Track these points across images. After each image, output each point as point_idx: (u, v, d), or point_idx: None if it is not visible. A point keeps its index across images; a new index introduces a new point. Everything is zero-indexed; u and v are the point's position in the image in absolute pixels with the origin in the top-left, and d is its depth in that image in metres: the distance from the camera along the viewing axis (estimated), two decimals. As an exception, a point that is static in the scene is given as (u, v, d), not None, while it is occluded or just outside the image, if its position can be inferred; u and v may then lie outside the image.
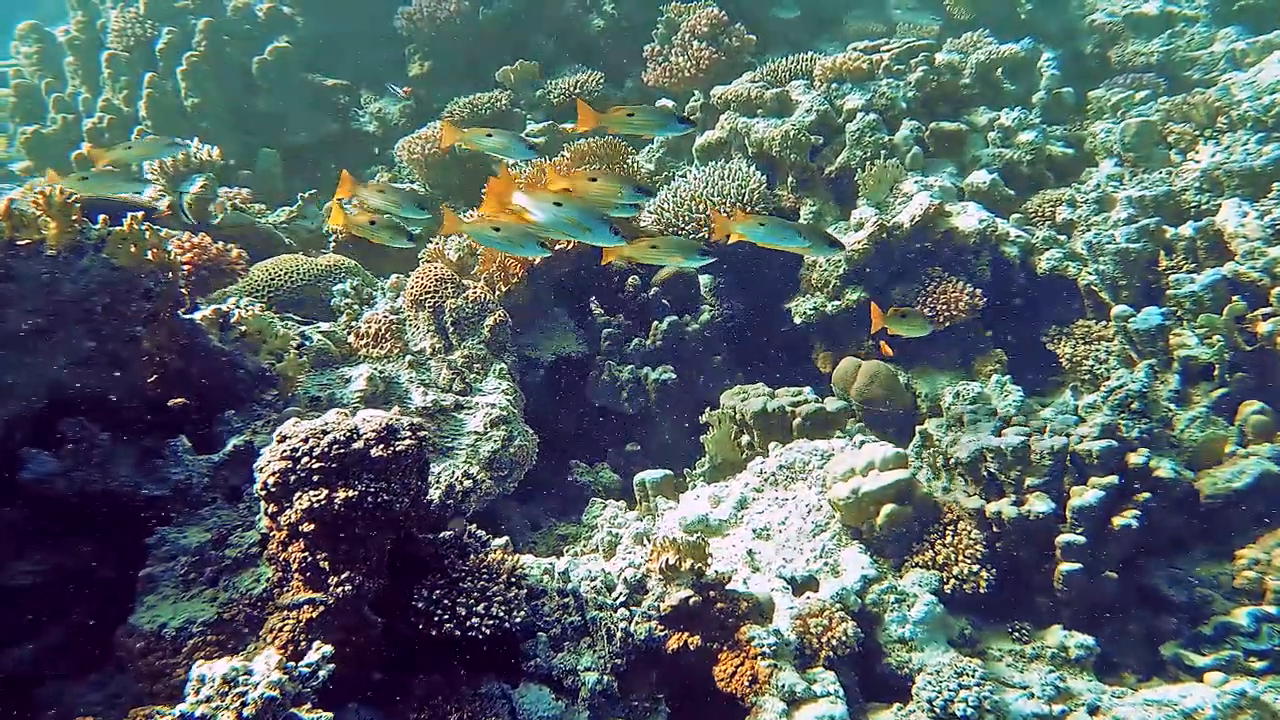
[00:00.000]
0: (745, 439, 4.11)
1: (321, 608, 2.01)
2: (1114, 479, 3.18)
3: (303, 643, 1.98)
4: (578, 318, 4.42)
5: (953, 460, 3.37)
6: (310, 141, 6.53)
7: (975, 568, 3.20)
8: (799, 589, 3.16)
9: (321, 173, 6.31)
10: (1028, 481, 3.25)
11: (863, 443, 3.56)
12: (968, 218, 4.61)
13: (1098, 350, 4.45)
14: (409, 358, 3.37)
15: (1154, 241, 4.39)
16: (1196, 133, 5.00)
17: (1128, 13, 6.16)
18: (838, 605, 2.98)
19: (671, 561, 2.58)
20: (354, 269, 4.02)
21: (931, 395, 4.44)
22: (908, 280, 4.57)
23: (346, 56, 7.19)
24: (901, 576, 3.27)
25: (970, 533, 3.26)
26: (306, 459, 1.95)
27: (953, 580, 3.20)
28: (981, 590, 3.19)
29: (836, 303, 4.63)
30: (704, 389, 4.55)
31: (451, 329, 3.64)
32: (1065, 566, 3.15)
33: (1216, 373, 3.92)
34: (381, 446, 2.01)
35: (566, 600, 2.51)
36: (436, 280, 3.68)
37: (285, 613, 2.02)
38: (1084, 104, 5.86)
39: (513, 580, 2.32)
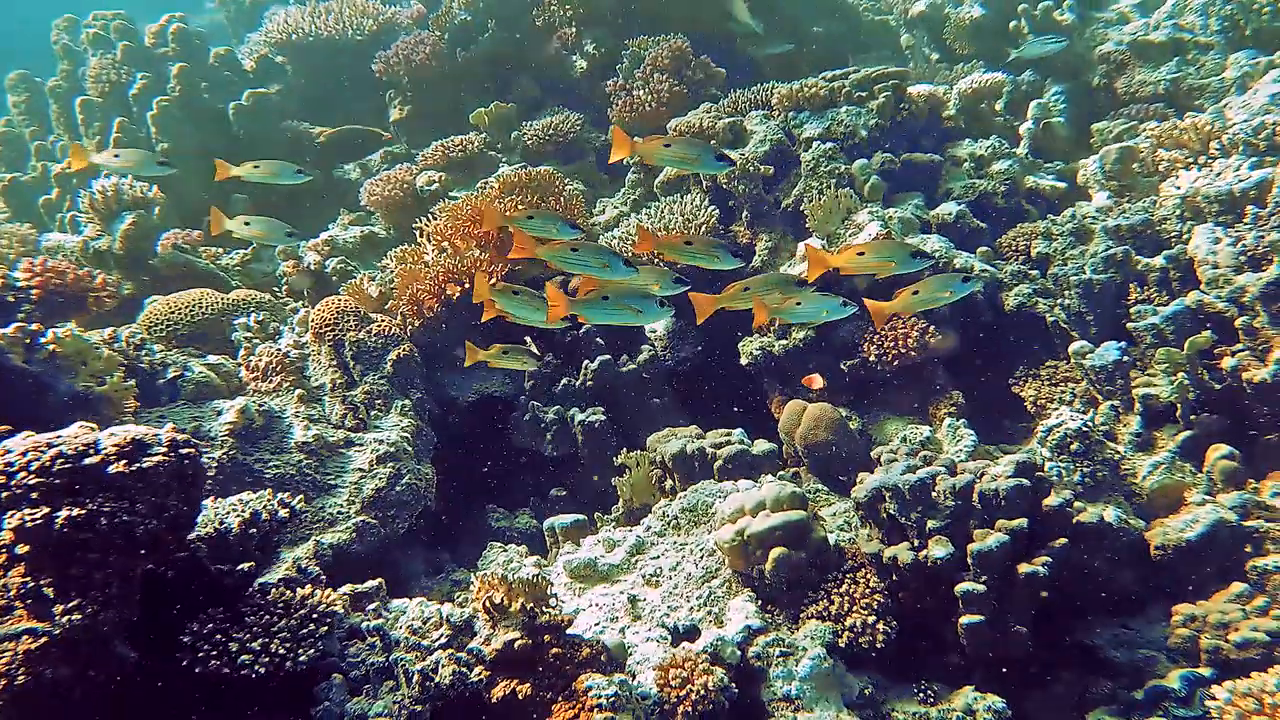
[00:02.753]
0: (669, 483, 4.04)
1: (44, 639, 1.99)
2: (1022, 522, 3.02)
3: (20, 678, 1.96)
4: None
5: (853, 501, 3.26)
6: (289, 192, 6.74)
7: (872, 619, 3.06)
8: (679, 639, 3.06)
9: (299, 220, 6.49)
10: (929, 524, 3.12)
11: (765, 483, 3.46)
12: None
13: (1063, 392, 4.29)
14: (298, 392, 3.41)
15: (1123, 272, 4.24)
16: (1189, 159, 4.85)
17: (1134, 41, 6.03)
18: (706, 656, 2.87)
19: (497, 601, 2.52)
20: (266, 303, 4.12)
21: (883, 440, 4.32)
22: (856, 318, 4.47)
23: (337, 104, 7.45)
24: (797, 629, 3.14)
25: (869, 581, 3.13)
26: (24, 474, 1.95)
27: (847, 633, 3.06)
28: (879, 645, 3.05)
29: (783, 341, 4.56)
30: (643, 432, 4.49)
31: (353, 363, 3.68)
32: (966, 619, 2.99)
33: (1179, 413, 3.74)
34: (124, 462, 2.00)
35: (374, 640, 2.47)
36: (338, 313, 3.74)
37: (3, 645, 2.01)
38: (1089, 137, 5.75)
39: (316, 617, 2.29)
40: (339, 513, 3.22)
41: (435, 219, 4.36)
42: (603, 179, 6.49)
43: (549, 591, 2.63)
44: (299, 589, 2.31)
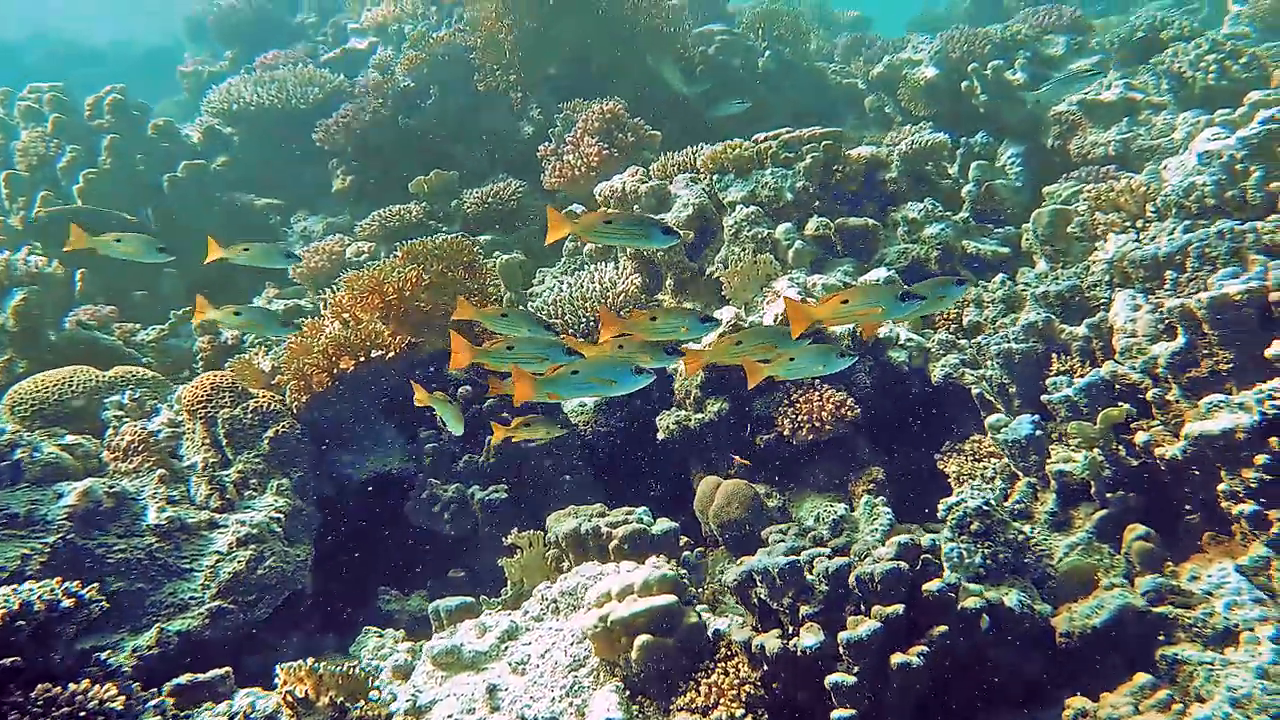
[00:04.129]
0: (566, 564, 3.99)
1: None
2: (898, 608, 2.95)
3: None
4: (407, 433, 4.42)
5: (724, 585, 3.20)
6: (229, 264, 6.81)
7: (740, 712, 2.98)
8: (537, 733, 2.99)
9: (233, 293, 6.56)
10: (802, 610, 3.05)
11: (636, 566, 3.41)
12: (844, 318, 4.50)
13: (985, 468, 4.23)
14: (159, 472, 3.41)
15: (1045, 342, 4.20)
16: (1127, 222, 4.85)
17: (1084, 101, 6.08)
18: (553, 751, 2.80)
19: (301, 695, 2.48)
20: (146, 380, 4.14)
21: (801, 517, 4.27)
22: (773, 389, 4.45)
23: (286, 174, 7.58)
24: (667, 722, 3.07)
25: (740, 670, 3.06)
26: None
27: (714, 727, 2.98)
28: (747, 740, 2.97)
29: (700, 415, 4.53)
30: (553, 510, 4.46)
31: (226, 441, 3.68)
32: (837, 713, 2.90)
33: (1093, 490, 3.68)
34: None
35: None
36: (212, 389, 3.75)
37: None
38: (1039, 200, 5.76)
39: (84, 715, 2.25)
40: (191, 598, 3.19)
41: (337, 290, 4.40)
42: (547, 248, 6.56)
43: (367, 684, 2.58)
44: (74, 684, 2.27)
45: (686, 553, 4.02)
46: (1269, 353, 2.96)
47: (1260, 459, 2.95)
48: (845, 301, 3.15)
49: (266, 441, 3.68)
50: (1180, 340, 3.49)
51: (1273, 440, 2.96)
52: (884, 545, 3.15)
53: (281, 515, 3.47)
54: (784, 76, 8.37)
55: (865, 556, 3.13)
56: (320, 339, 3.98)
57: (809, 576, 3.07)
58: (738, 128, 6.81)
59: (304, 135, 7.41)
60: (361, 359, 3.94)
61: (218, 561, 3.30)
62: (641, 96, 6.93)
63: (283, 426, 3.71)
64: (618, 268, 4.96)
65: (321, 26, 10.19)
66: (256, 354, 4.29)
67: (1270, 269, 3.30)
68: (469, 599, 3.85)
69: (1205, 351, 3.40)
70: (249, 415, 3.70)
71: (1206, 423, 3.10)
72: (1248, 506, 2.99)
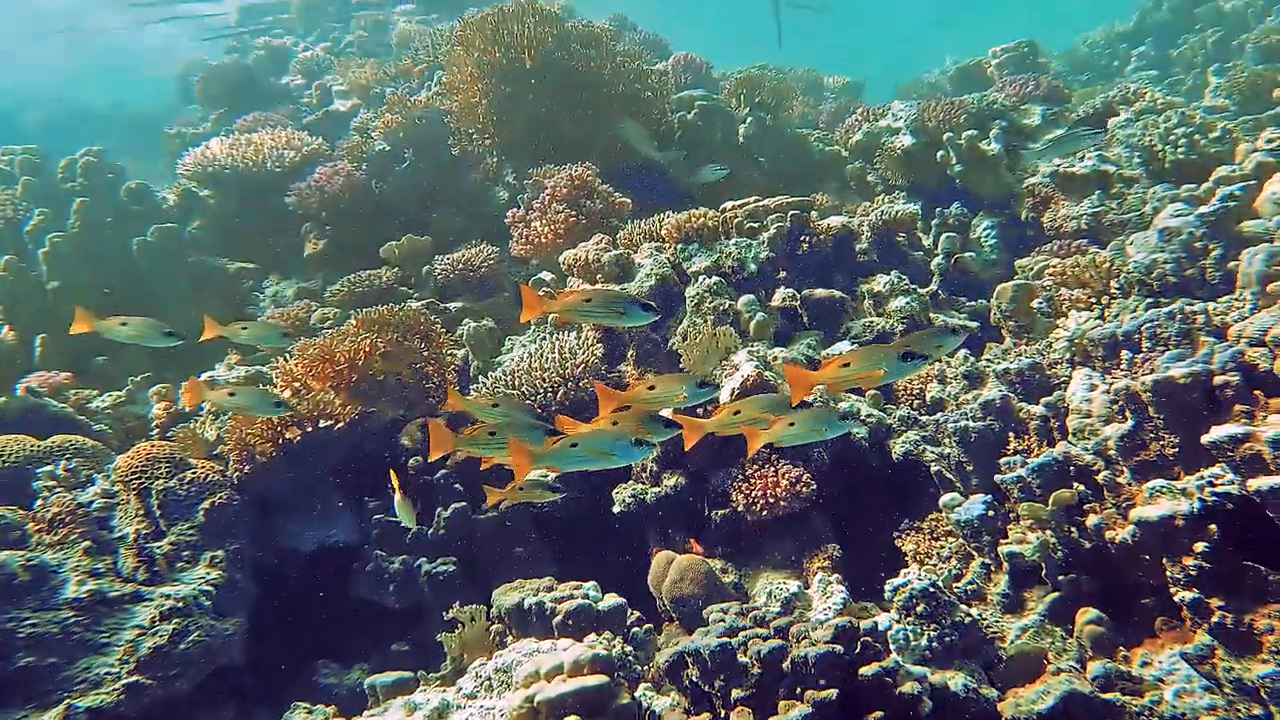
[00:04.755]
0: (510, 639, 3.97)
1: None
2: (831, 694, 2.94)
3: None
4: (355, 505, 4.42)
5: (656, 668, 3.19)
6: (196, 328, 6.86)
7: (669, 800, 2.95)
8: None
9: (198, 359, 6.59)
10: (734, 693, 3.03)
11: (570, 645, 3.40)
12: (802, 393, 4.52)
13: (942, 547, 4.22)
14: (84, 544, 3.41)
15: (1002, 420, 4.22)
16: (1091, 298, 4.89)
17: (1057, 173, 6.16)
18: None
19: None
20: (85, 449, 4.16)
21: (754, 595, 4.26)
22: (728, 464, 4.46)
23: (262, 237, 7.66)
24: (597, 811, 3.03)
25: (671, 758, 3.03)
26: None
27: (643, 817, 2.95)
28: (676, 830, 2.93)
29: (656, 489, 4.54)
30: (502, 583, 4.44)
31: (160, 512, 3.69)
32: (766, 802, 2.88)
33: (1044, 572, 3.67)
34: None
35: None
36: (148, 459, 3.77)
37: None
38: (1013, 273, 5.81)
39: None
40: (107, 673, 3.18)
41: (288, 359, 4.44)
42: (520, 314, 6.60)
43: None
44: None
45: (636, 629, 4.01)
46: (1205, 439, 2.97)
47: (1199, 546, 2.94)
48: (846, 365, 3.15)
49: (202, 513, 3.69)
50: (1129, 423, 3.50)
51: (1211, 527, 2.95)
52: (821, 627, 3.15)
53: (212, 588, 3.47)
54: (765, 143, 8.49)
55: (803, 638, 3.12)
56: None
57: (742, 659, 3.06)
58: (717, 195, 6.92)
59: (280, 199, 7.51)
60: (309, 429, 3.96)
61: (138, 636, 3.29)
62: (618, 162, 7.04)
63: (220, 498, 3.72)
64: (579, 337, 4.99)
65: (307, 89, 10.38)
66: (203, 423, 4.31)
67: (1216, 352, 3.32)
68: (406, 675, 3.83)
69: (1152, 435, 3.41)
70: (185, 486, 3.72)
71: (1147, 508, 3.11)
72: (1189, 594, 2.98)
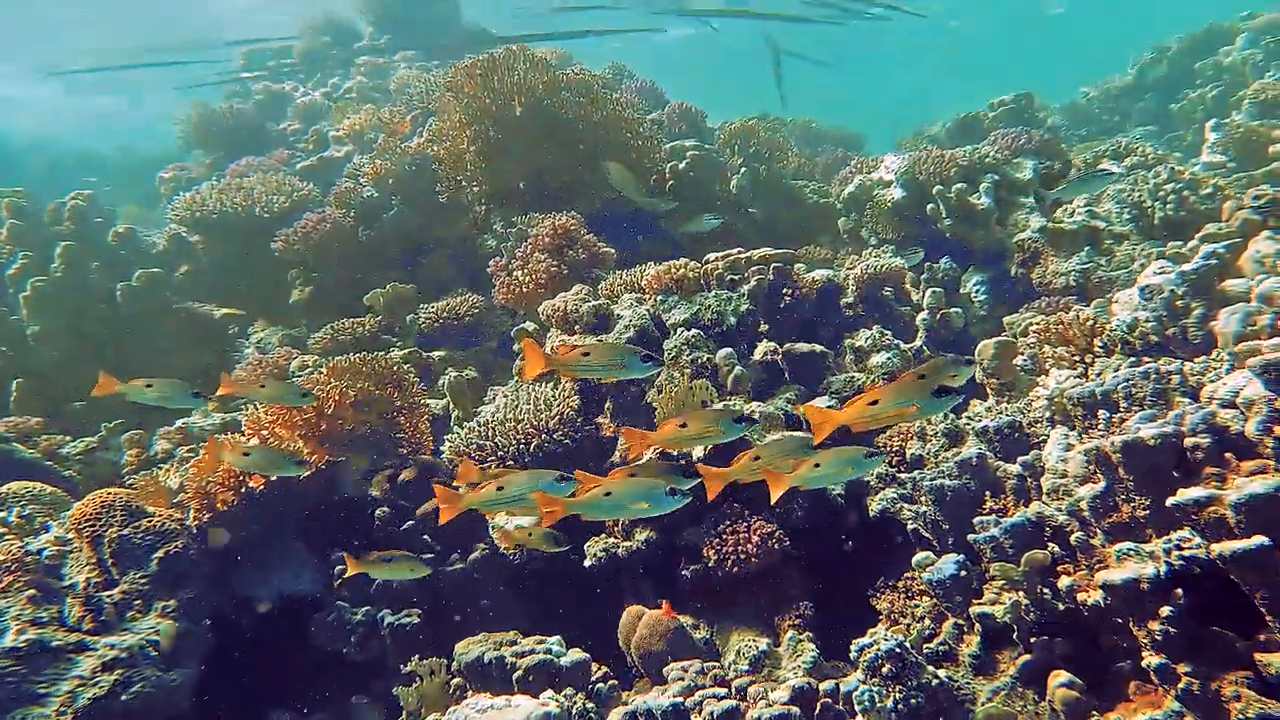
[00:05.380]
0: (469, 694, 3.93)
1: None
2: (786, 759, 2.90)
3: None
4: (320, 554, 4.41)
5: (611, 730, 3.15)
6: (182, 373, 6.90)
7: None
8: None
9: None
10: (685, 759, 3.00)
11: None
12: (778, 457, 4.52)
13: (916, 606, 4.19)
14: (29, 592, 3.41)
15: (979, 479, 4.20)
16: (1074, 356, 4.89)
17: (1046, 228, 6.18)
18: None
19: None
20: (43, 496, 4.16)
21: (725, 651, 4.22)
22: (702, 521, 4.44)
23: (251, 283, 7.72)
24: None
25: (621, 823, 2.99)
26: None
27: None
28: None
29: (628, 543, 4.52)
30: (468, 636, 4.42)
31: (111, 561, 3.69)
32: None
33: (1015, 634, 3.64)
34: None
35: None
36: (101, 507, 3.78)
37: None
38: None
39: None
40: (43, 725, 3.16)
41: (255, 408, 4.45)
42: (503, 364, 6.62)
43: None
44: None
45: (600, 685, 3.97)
46: (1170, 502, 2.95)
47: (1165, 611, 2.91)
48: (874, 403, 3.11)
49: (156, 561, 3.68)
50: (1101, 484, 3.48)
51: (1178, 592, 2.93)
52: (780, 687, 3.12)
53: (165, 637, 3.45)
54: (758, 194, 8.54)
55: (760, 699, 3.10)
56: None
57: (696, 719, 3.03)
58: (709, 245, 6.96)
59: (269, 244, 7.57)
60: (274, 478, 3.96)
61: (77, 686, 3.27)
62: (609, 211, 7.09)
63: (175, 546, 3.72)
64: (555, 389, 5.00)
65: (304, 134, 10.52)
66: (167, 471, 4.32)
67: (1188, 413, 3.31)
68: (363, 731, 3.81)
69: (1124, 497, 3.39)
70: (140, 534, 3.72)
71: (1113, 572, 3.08)
72: (1156, 659, 2.95)
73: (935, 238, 6.84)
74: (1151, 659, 2.98)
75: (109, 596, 3.55)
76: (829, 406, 4.82)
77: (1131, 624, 3.10)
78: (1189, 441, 3.22)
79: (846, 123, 13.95)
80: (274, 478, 4.10)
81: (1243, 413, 3.18)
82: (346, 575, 4.02)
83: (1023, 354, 5.08)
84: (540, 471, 3.34)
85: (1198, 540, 2.95)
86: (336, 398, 4.30)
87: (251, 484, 4.07)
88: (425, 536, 4.49)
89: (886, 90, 35.00)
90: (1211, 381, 3.57)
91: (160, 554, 3.70)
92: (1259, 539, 2.63)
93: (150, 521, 3.79)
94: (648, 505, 3.17)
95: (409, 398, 4.68)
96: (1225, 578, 2.84)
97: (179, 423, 5.35)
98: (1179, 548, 2.99)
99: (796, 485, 3.33)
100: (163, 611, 3.59)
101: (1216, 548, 2.74)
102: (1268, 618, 2.70)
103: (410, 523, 4.43)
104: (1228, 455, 3.17)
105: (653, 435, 3.45)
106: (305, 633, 4.25)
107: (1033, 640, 3.61)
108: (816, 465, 3.22)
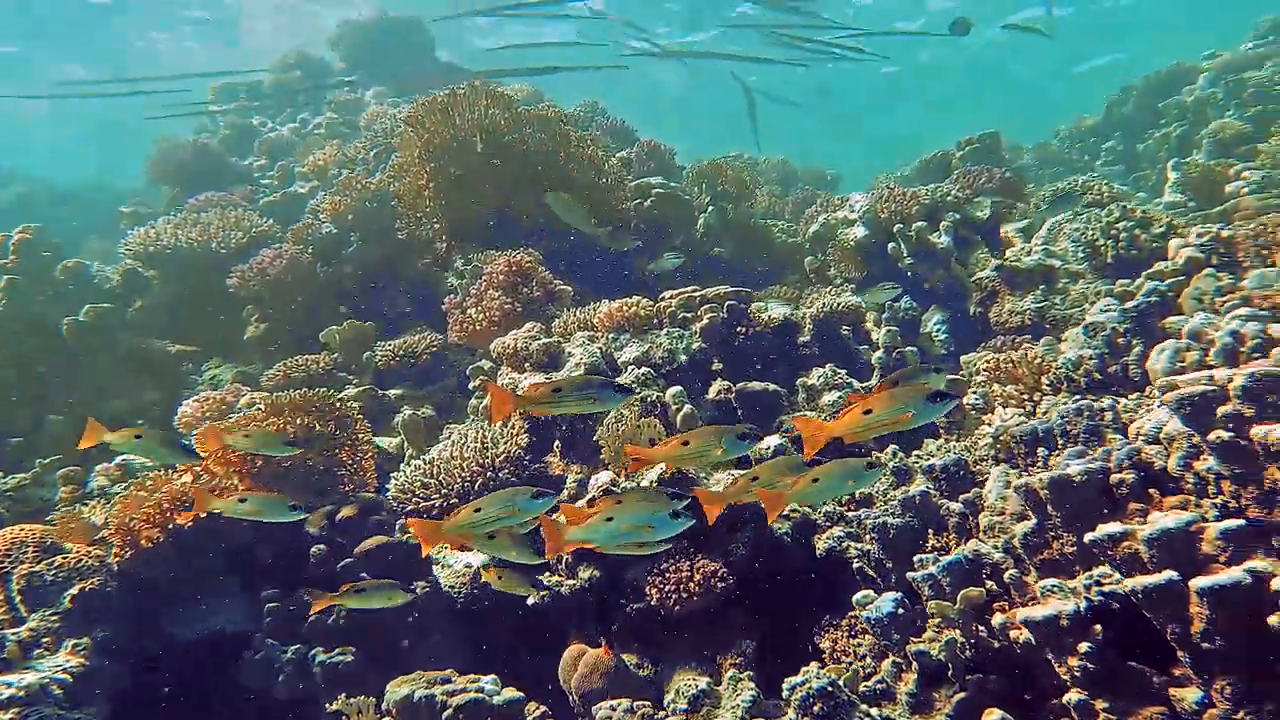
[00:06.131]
0: (403, 740, 3.95)
1: None
2: (707, 797, 2.93)
3: None
4: (252, 592, 4.43)
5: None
6: (127, 410, 6.92)
7: None
8: None
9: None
10: (607, 798, 3.03)
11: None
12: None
13: (859, 645, 4.23)
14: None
15: (922, 517, 4.26)
16: (1023, 395, 4.98)
17: (1003, 266, 6.29)
18: None
19: None
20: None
21: (666, 690, 4.26)
22: (644, 561, 4.49)
23: (207, 319, 7.75)
24: None
25: None
26: None
27: None
28: None
29: (571, 581, 4.56)
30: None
31: (20, 598, 3.71)
32: None
33: (950, 673, 3.68)
34: None
35: None
36: (11, 544, 3.80)
37: None
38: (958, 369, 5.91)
39: None
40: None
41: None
42: (462, 402, 6.66)
43: None
44: None
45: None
46: (1088, 537, 3.02)
47: (1083, 647, 2.97)
48: (868, 411, 3.05)
49: (69, 599, 3.70)
50: (1032, 521, 3.55)
51: (1097, 628, 2.98)
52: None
53: (69, 676, 3.46)
54: (726, 233, 8.66)
55: (685, 741, 3.13)
56: (154, 494, 4.05)
57: (619, 761, 3.06)
58: (678, 285, 7.04)
59: (225, 280, 7.63)
60: (203, 515, 3.99)
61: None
62: (579, 250, 7.18)
63: (91, 583, 3.74)
64: (504, 427, 5.05)
65: (270, 169, 10.62)
66: (93, 508, 4.34)
67: (1114, 450, 3.38)
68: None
69: (1054, 533, 3.45)
70: (54, 571, 3.74)
71: (1034, 609, 3.14)
72: (1076, 696, 3.00)
73: (897, 276, 6.94)
74: (1071, 695, 3.03)
75: (13, 634, 3.56)
76: (779, 446, 4.90)
77: (1054, 661, 3.15)
78: (1115, 478, 3.30)
79: (836, 163, 14.14)
80: (203, 514, 4.12)
81: (1166, 448, 3.26)
82: (316, 609, 4.02)
83: (974, 392, 5.18)
84: (515, 489, 3.34)
85: (1118, 576, 3.02)
86: (275, 431, 4.34)
87: (179, 520, 4.10)
88: (363, 574, 4.51)
89: (885, 129, 35.42)
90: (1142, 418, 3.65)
91: (74, 590, 3.72)
92: (1168, 574, 2.69)
93: (66, 559, 3.82)
94: (652, 530, 3.17)
95: (352, 434, 4.71)
96: (1141, 613, 2.90)
97: (119, 459, 5.37)
98: (1099, 584, 3.05)
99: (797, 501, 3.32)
100: (73, 649, 3.60)
101: (1129, 583, 2.80)
102: (1179, 652, 2.76)
103: (349, 560, 4.46)
104: (1152, 491, 3.25)
105: (655, 453, 3.43)
106: (233, 671, 4.26)
107: (968, 678, 3.65)
108: (815, 480, 3.19)
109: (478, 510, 3.22)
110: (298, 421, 4.48)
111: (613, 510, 3.15)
